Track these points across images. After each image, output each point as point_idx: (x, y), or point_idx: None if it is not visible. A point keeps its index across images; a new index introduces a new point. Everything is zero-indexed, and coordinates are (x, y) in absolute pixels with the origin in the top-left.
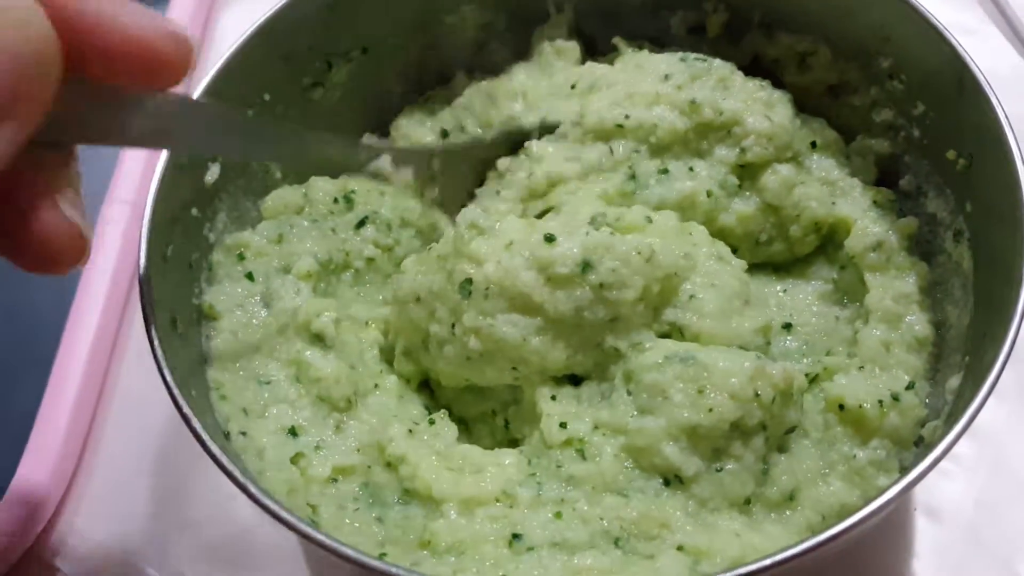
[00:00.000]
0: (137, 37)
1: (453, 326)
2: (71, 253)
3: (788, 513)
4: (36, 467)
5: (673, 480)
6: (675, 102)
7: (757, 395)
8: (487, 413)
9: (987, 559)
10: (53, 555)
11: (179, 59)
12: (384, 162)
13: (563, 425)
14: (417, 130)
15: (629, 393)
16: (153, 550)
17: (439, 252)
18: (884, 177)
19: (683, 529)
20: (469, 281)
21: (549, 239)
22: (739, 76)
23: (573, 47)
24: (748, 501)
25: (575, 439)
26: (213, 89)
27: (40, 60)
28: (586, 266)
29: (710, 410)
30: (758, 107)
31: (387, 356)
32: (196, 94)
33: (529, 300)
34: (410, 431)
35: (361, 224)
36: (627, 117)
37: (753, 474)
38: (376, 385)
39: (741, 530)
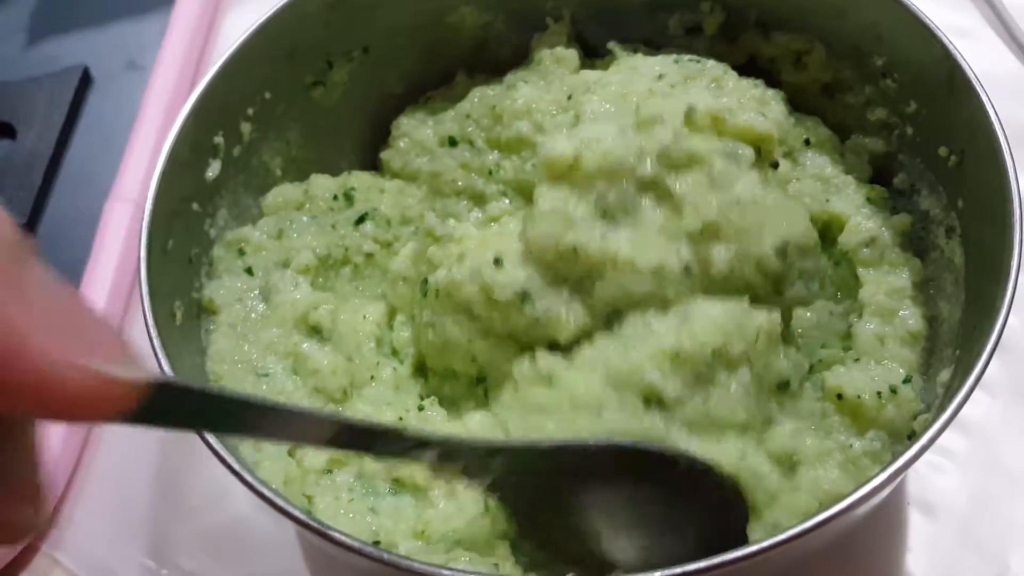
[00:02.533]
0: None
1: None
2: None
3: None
4: None
5: (654, 403)
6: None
7: (739, 327)
8: (471, 385)
9: (979, 553)
10: (53, 546)
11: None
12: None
13: (532, 360)
14: (418, 130)
15: (611, 331)
16: (151, 541)
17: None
18: (878, 175)
19: (679, 439)
20: (425, 281)
21: (497, 262)
22: (732, 75)
23: (572, 55)
24: (745, 429)
25: (545, 375)
26: (212, 86)
27: None
28: (525, 297)
29: (691, 335)
30: (751, 104)
31: (384, 348)
32: (197, 92)
33: (470, 310)
34: (400, 419)
35: (361, 220)
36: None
37: (744, 406)
38: (372, 377)
39: (746, 451)
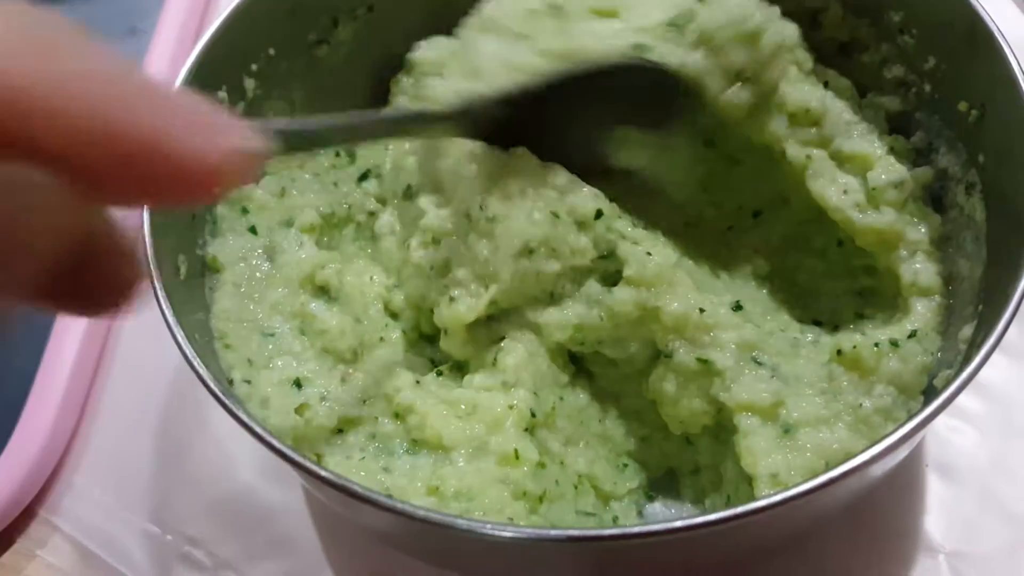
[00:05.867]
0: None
1: None
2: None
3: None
4: (35, 425)
5: None
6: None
7: None
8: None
9: (999, 516)
10: (52, 512)
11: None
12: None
13: None
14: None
15: None
16: (154, 508)
17: None
18: (895, 135)
19: None
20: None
21: None
22: None
23: None
24: None
25: None
26: (216, 41)
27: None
28: None
29: None
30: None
31: (392, 310)
32: (199, 47)
33: None
34: (417, 382)
35: (363, 177)
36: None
37: None
38: (382, 338)
39: None
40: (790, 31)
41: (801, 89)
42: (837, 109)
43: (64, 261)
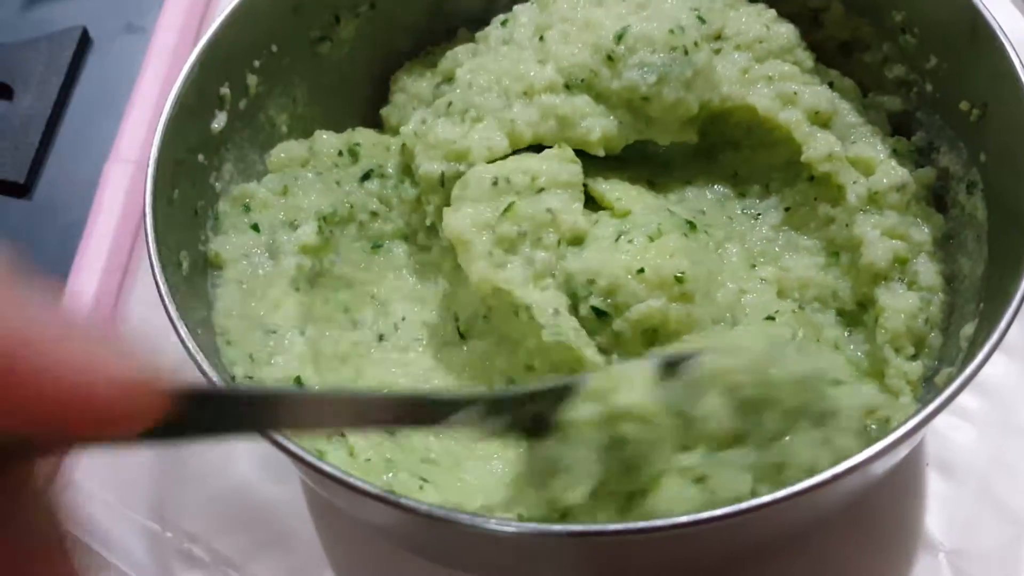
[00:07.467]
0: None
1: None
2: None
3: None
4: None
5: None
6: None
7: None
8: None
9: (998, 513)
10: None
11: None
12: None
13: None
14: (416, 83)
15: None
16: (153, 504)
17: None
18: (895, 135)
19: None
20: None
21: None
22: (742, 2)
23: None
24: None
25: None
26: (218, 37)
27: None
28: None
29: None
30: (761, 21)
31: (392, 316)
32: (201, 43)
33: None
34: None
35: (366, 177)
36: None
37: None
38: (381, 337)
39: None
40: (786, 31)
41: (813, 91)
42: (844, 111)
43: None
